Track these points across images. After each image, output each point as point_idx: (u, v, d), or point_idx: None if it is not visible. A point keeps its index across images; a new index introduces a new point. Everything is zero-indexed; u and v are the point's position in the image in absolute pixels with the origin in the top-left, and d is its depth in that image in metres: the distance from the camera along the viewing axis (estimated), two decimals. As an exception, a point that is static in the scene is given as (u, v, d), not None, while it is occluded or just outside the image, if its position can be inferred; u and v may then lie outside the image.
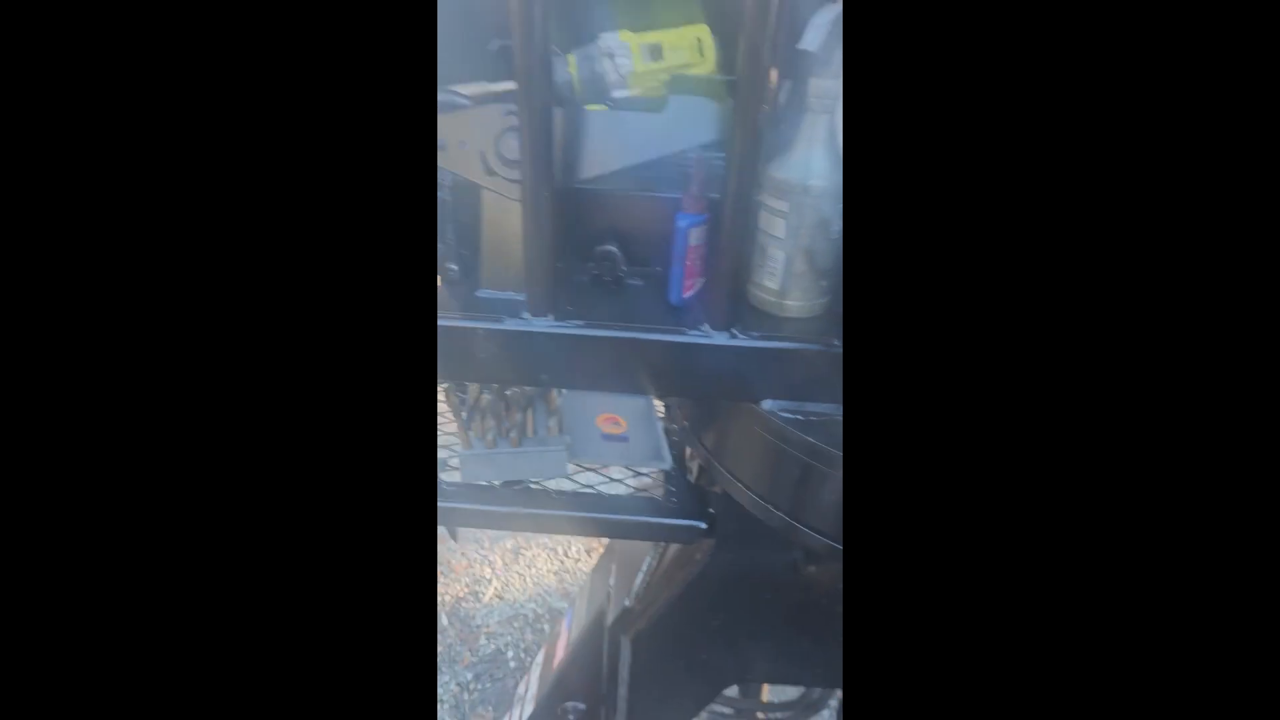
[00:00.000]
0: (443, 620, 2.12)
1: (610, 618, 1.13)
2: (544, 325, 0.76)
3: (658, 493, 0.99)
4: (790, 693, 1.45)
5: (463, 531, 1.91)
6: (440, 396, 1.04)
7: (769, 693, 1.58)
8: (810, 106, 0.71)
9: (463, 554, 2.26)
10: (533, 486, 0.96)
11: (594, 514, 0.94)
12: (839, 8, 0.77)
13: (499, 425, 0.96)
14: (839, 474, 0.78)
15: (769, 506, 0.84)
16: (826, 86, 0.69)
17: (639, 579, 1.12)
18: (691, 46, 0.82)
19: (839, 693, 1.36)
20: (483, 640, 2.10)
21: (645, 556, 1.15)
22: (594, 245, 0.82)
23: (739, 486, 0.87)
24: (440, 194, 0.77)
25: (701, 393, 0.79)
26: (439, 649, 2.06)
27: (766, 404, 0.77)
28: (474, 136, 0.72)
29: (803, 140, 0.72)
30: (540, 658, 1.37)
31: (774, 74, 0.67)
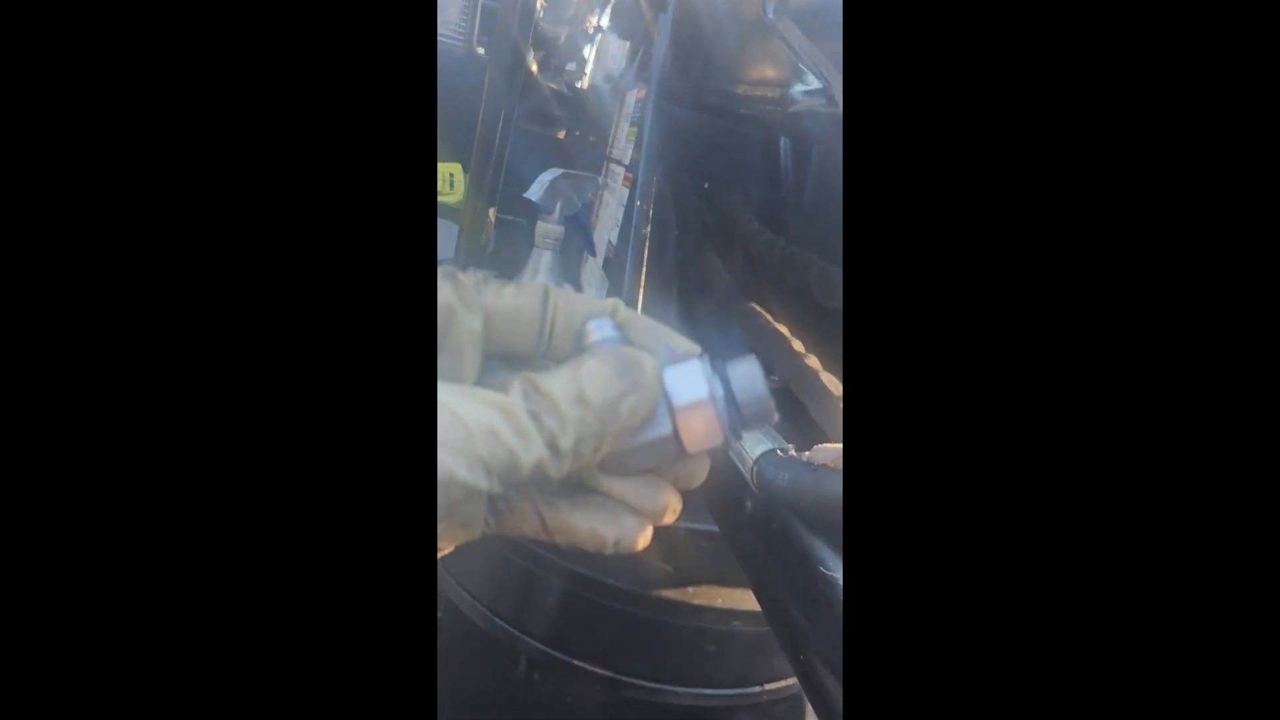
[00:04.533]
0: None
1: None
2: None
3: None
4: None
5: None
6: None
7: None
8: (536, 244, 0.95)
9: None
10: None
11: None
12: (559, 172, 1.06)
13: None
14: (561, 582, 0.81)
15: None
16: (549, 229, 0.93)
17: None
18: (444, 179, 1.18)
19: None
20: None
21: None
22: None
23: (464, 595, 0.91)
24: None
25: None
26: None
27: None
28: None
29: (528, 270, 0.95)
30: None
31: (492, 211, 0.94)
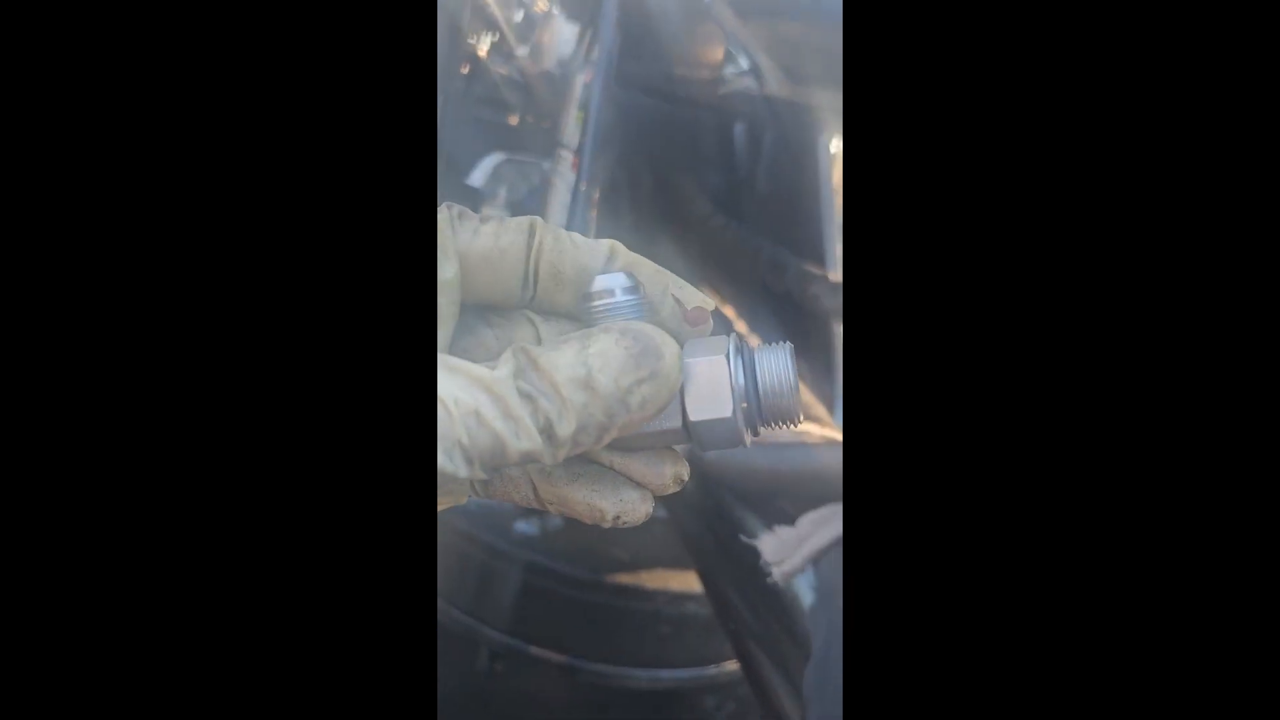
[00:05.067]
0: None
1: None
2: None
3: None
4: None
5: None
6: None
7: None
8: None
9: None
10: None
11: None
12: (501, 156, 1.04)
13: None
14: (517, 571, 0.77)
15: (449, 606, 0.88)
16: (492, 215, 1.12)
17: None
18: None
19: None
20: None
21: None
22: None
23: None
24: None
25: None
26: None
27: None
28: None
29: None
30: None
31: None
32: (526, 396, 0.26)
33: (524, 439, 0.26)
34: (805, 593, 0.53)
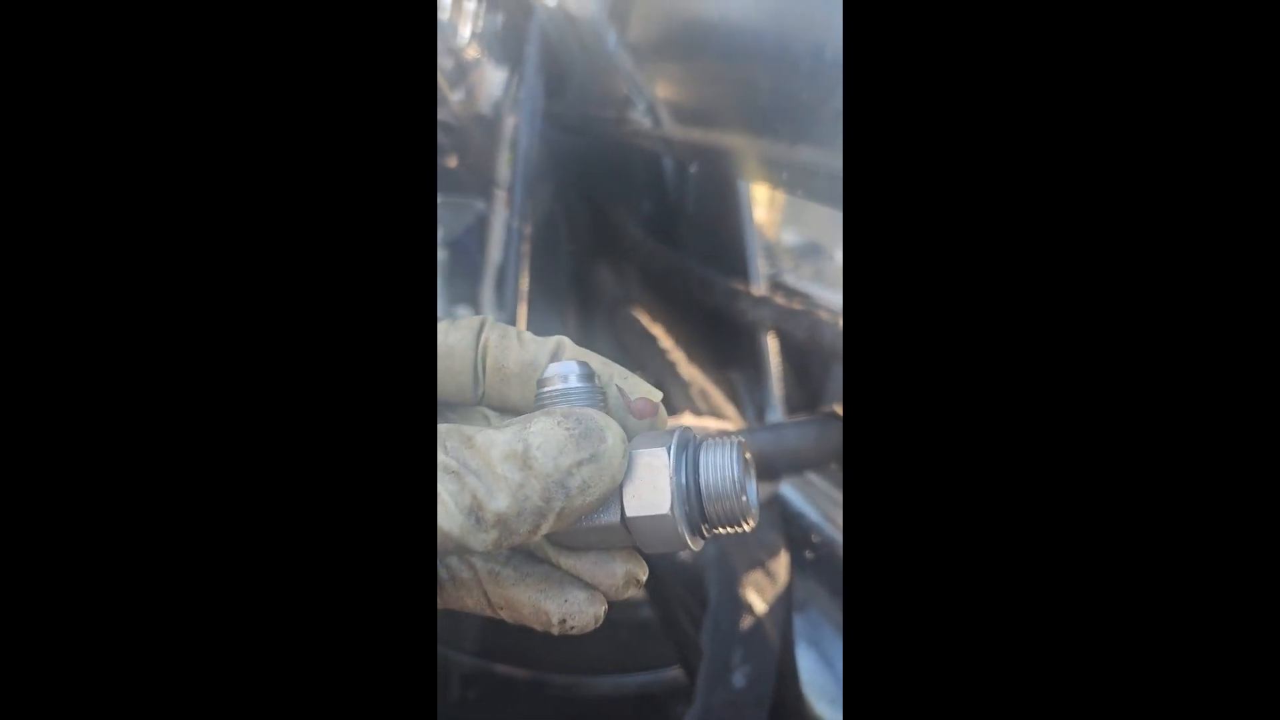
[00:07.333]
0: None
1: None
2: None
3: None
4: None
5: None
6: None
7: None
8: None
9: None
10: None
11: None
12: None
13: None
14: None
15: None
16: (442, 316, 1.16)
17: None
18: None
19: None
20: None
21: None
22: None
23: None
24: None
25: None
26: None
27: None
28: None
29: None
30: None
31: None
32: (451, 473, 0.25)
33: (442, 517, 0.24)
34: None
